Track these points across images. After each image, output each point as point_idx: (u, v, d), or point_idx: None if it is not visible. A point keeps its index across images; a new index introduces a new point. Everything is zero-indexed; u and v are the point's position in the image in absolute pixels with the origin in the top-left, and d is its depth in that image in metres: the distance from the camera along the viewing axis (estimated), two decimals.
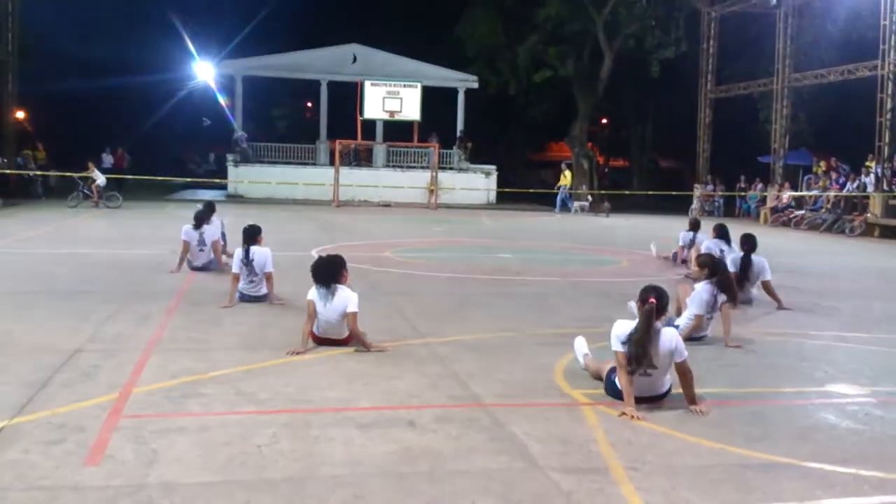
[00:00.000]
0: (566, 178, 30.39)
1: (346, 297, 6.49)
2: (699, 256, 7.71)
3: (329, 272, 6.59)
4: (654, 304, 5.18)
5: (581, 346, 6.22)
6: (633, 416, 4.94)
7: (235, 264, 8.52)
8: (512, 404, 5.24)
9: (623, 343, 5.13)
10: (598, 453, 4.38)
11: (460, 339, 7.14)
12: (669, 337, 5.22)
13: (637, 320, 5.21)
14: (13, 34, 27.93)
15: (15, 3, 27.94)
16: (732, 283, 7.26)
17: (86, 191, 23.76)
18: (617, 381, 5.23)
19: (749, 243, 9.45)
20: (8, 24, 27.73)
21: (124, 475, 3.87)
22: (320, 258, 6.94)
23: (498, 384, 5.69)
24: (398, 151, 34.80)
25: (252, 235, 8.63)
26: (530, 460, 4.26)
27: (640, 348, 5.07)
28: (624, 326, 5.21)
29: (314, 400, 5.19)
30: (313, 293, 6.51)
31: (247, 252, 8.49)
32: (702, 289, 7.14)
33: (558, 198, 30.64)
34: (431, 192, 30.48)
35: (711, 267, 7.21)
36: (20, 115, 31.27)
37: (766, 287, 9.37)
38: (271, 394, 5.27)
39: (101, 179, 24.00)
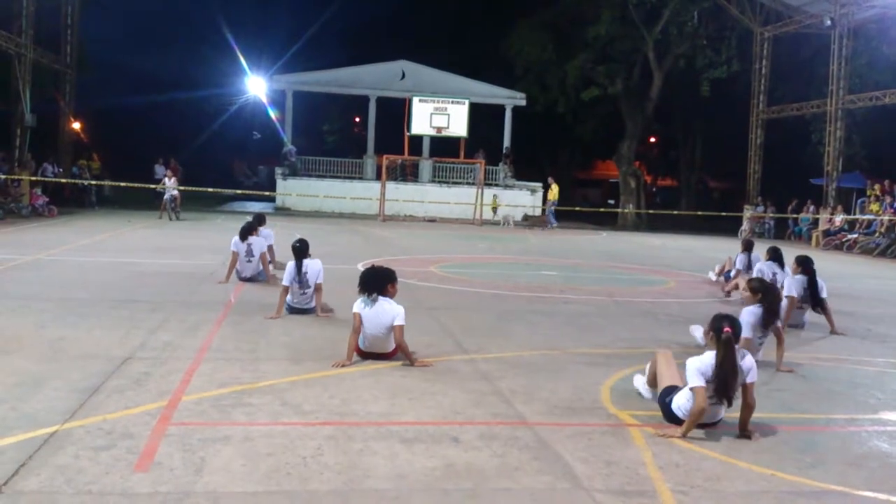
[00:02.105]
0: (553, 192, 30.03)
1: (392, 310, 6.50)
2: (750, 281, 7.55)
3: (376, 282, 6.61)
4: (731, 333, 5.07)
5: (640, 383, 6.09)
6: (670, 437, 4.89)
7: (287, 278, 8.59)
8: (556, 423, 5.19)
9: (709, 380, 5.00)
10: (646, 476, 4.32)
11: (504, 356, 7.11)
12: (747, 359, 5.15)
13: (715, 352, 5.06)
14: (71, 46, 28.78)
15: (74, 16, 28.76)
16: (780, 306, 7.12)
17: (169, 195, 24.22)
18: (674, 405, 5.15)
19: (811, 266, 9.29)
20: (67, 36, 28.57)
21: (172, 482, 3.92)
22: (371, 267, 6.93)
23: (542, 402, 5.65)
24: (444, 167, 34.95)
25: (304, 250, 8.71)
26: (575, 481, 4.21)
27: (728, 381, 4.98)
28: (701, 361, 5.07)
29: (358, 413, 5.20)
30: (359, 306, 6.52)
31: (300, 266, 8.57)
32: (749, 311, 7.02)
33: (548, 213, 30.28)
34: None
35: (763, 291, 7.08)
36: (76, 125, 32.06)
37: (823, 306, 9.21)
38: (316, 405, 5.30)
39: (174, 191, 24.48)
